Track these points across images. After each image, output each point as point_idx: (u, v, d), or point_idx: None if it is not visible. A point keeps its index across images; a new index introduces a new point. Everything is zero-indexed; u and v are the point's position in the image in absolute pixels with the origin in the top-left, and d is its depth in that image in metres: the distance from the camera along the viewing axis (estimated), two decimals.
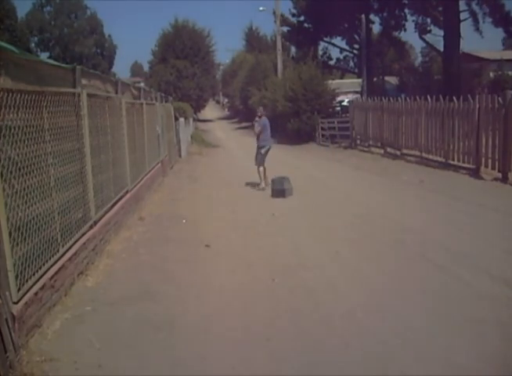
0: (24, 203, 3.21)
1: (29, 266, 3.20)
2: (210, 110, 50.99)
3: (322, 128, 19.44)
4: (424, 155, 11.40)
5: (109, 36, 55.19)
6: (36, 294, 3.25)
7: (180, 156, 15.48)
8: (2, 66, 3.12)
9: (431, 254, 4.71)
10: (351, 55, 33.70)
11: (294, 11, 29.97)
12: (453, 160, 10.19)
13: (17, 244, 3.05)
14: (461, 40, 22.52)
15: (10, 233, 2.95)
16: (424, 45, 31.68)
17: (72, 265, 4.04)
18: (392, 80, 31.73)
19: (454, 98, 10.27)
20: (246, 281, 4.27)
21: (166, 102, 14.01)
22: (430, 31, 27.08)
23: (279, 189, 8.38)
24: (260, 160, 9.25)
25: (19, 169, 3.18)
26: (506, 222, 5.77)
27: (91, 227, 4.76)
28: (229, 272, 4.50)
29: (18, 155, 3.17)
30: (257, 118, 9.44)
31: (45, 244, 3.51)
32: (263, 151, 9.22)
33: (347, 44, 31.55)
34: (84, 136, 4.67)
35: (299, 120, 19.95)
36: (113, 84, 6.77)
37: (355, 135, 16.33)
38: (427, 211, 6.66)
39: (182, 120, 16.14)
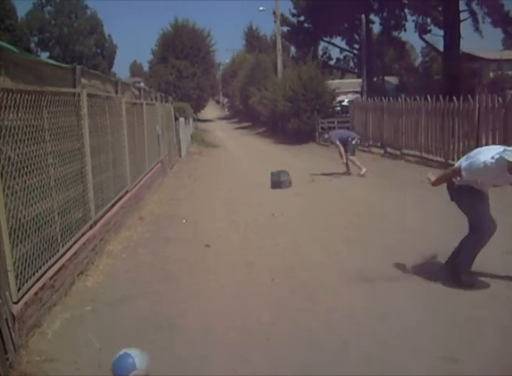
0: (24, 203, 3.21)
1: (29, 266, 3.19)
2: (211, 110, 50.95)
3: (322, 128, 19.44)
4: (424, 155, 11.40)
5: (109, 36, 55.34)
6: (36, 294, 3.25)
7: (180, 156, 15.48)
8: (2, 66, 3.12)
9: (432, 254, 4.70)
10: (351, 55, 33.76)
11: (294, 11, 30.04)
12: (453, 160, 10.15)
13: (17, 244, 3.04)
14: (461, 40, 22.52)
15: (10, 233, 2.94)
16: (424, 45, 31.73)
17: (72, 265, 4.04)
18: (392, 80, 31.76)
19: (454, 98, 10.27)
20: (247, 281, 4.26)
21: (166, 102, 14.00)
22: (430, 31, 27.10)
23: (277, 181, 9.05)
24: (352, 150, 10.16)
25: (19, 169, 3.17)
26: (505, 223, 5.75)
27: (91, 227, 4.75)
28: (230, 272, 4.50)
29: (18, 155, 3.16)
30: None
31: (44, 243, 3.51)
32: (354, 142, 10.24)
33: (347, 44, 31.61)
34: (84, 136, 4.67)
35: (299, 120, 19.94)
36: (113, 84, 6.77)
37: None
38: (427, 210, 6.65)
39: (182, 120, 16.15)
